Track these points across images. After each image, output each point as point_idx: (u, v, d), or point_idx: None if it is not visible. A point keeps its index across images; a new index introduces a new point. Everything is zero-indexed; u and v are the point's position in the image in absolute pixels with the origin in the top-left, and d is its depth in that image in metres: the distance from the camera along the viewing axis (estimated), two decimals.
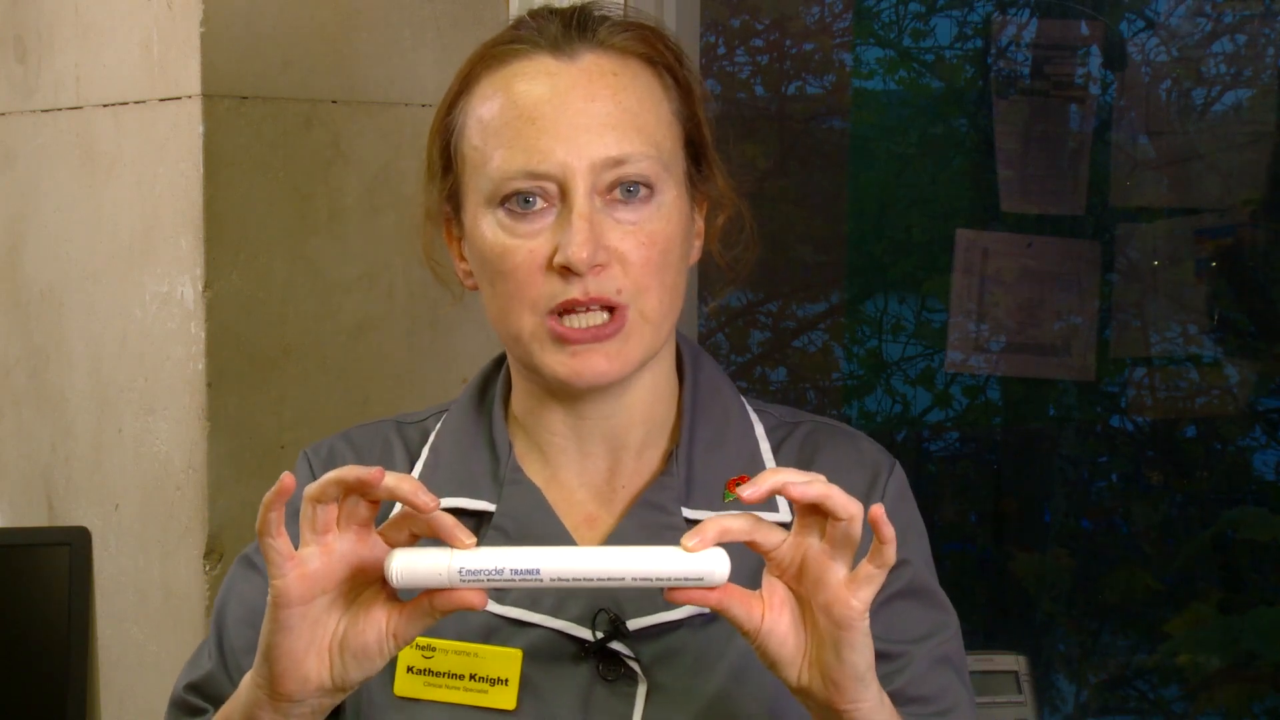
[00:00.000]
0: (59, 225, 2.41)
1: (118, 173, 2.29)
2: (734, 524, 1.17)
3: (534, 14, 1.40)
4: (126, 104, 2.27)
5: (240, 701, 1.25)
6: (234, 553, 2.17)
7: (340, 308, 2.25)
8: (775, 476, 1.16)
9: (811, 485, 1.16)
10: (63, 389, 2.42)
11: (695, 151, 1.41)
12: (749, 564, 1.26)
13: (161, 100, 2.20)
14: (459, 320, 2.31)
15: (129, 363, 2.29)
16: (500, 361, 1.48)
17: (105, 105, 2.31)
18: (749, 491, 1.15)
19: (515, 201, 1.33)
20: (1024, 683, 2.23)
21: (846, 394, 3.95)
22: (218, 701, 1.36)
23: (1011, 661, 2.24)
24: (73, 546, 2.32)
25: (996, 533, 3.76)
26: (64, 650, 2.29)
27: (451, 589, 1.16)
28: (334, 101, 2.23)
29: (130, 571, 2.31)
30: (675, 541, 1.17)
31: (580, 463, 1.41)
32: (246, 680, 1.24)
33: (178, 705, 1.41)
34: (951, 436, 3.94)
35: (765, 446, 1.44)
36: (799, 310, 3.94)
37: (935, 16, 3.81)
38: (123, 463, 2.31)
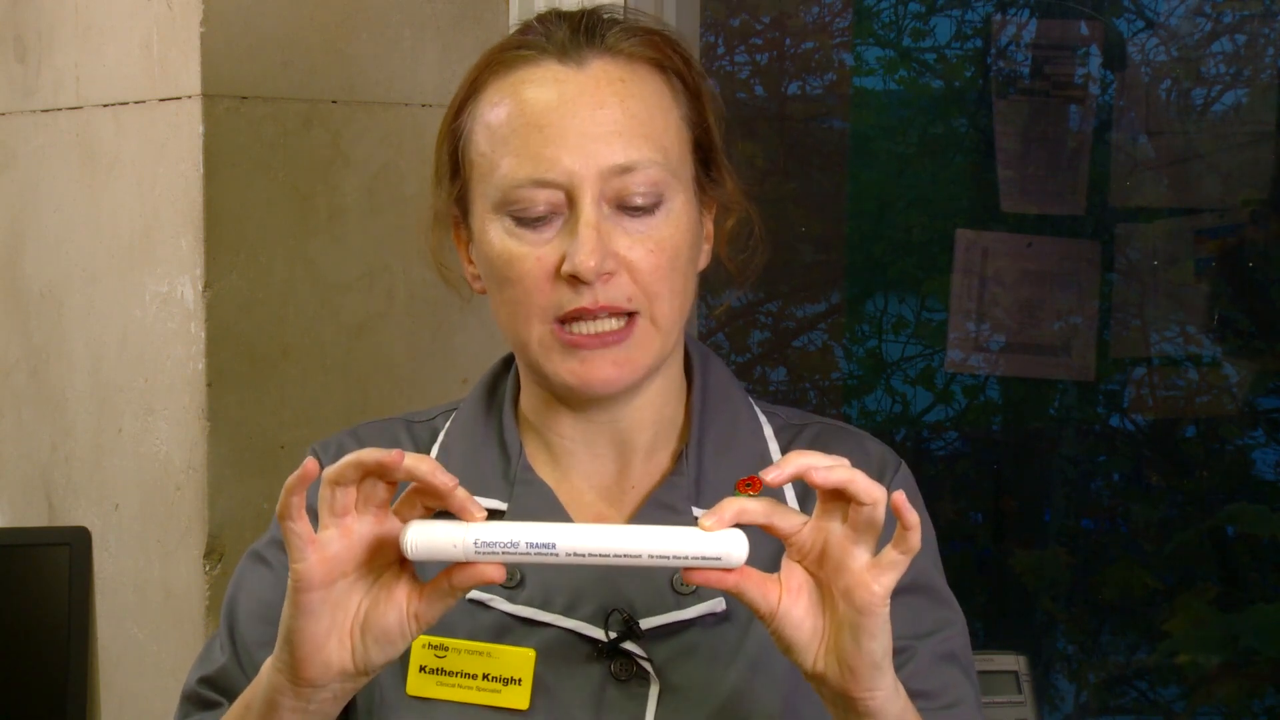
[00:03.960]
0: (59, 225, 2.41)
1: (118, 173, 2.29)
2: (752, 505, 1.16)
3: (542, 19, 1.39)
4: (126, 104, 2.27)
5: (261, 688, 1.25)
6: (234, 552, 2.17)
7: (340, 308, 2.25)
8: (799, 460, 1.15)
9: (834, 470, 1.15)
10: (63, 389, 2.42)
11: (704, 155, 1.40)
12: (766, 549, 1.26)
13: (161, 100, 2.21)
14: (459, 320, 2.31)
15: (129, 363, 2.29)
16: (509, 362, 1.48)
17: (105, 105, 2.31)
18: (772, 475, 1.15)
19: (522, 213, 1.33)
20: (1024, 682, 2.23)
21: (846, 394, 3.95)
22: (231, 695, 1.36)
23: (1011, 661, 2.24)
24: (73, 546, 2.32)
25: (996, 532, 3.77)
26: (64, 650, 2.29)
27: (469, 564, 1.16)
28: (334, 101, 2.23)
29: (130, 571, 2.31)
30: None
31: (589, 464, 1.41)
32: (267, 667, 1.24)
33: (190, 699, 1.41)
34: (951, 436, 3.94)
35: (774, 447, 1.44)
36: (799, 310, 3.94)
37: (935, 16, 3.81)
38: (123, 463, 2.31)
